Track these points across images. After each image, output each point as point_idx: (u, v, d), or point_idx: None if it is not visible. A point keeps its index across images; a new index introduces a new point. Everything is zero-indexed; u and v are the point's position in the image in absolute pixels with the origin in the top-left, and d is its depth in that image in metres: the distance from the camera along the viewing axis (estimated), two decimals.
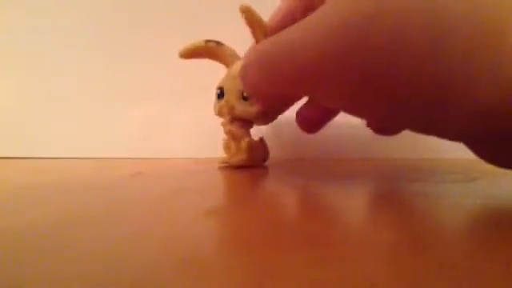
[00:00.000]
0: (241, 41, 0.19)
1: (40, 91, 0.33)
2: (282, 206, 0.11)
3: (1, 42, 0.34)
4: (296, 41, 0.12)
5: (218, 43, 0.20)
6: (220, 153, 0.22)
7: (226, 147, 0.21)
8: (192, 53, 0.20)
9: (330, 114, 0.19)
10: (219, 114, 0.21)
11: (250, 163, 0.21)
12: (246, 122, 0.21)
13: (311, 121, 0.19)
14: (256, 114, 0.20)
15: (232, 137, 0.21)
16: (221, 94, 0.21)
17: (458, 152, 0.17)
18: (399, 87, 0.11)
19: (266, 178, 0.18)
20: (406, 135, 0.19)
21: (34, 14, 0.33)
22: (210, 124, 0.23)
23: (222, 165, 0.21)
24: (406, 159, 0.28)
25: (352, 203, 0.12)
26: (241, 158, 0.20)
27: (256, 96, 0.18)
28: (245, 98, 0.20)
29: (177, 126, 0.32)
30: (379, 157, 0.28)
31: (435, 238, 0.08)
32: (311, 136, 0.20)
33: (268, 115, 0.21)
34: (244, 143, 0.20)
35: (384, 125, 0.16)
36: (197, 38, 0.20)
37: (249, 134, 0.21)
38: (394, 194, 0.13)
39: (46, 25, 0.33)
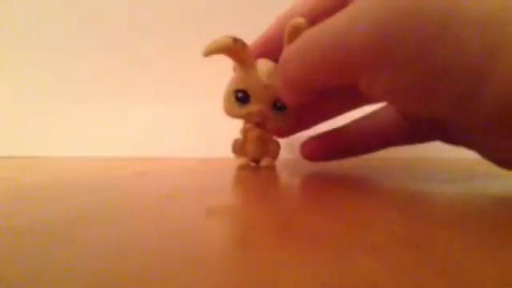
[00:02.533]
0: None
1: (40, 91, 0.33)
2: (283, 206, 0.11)
3: (1, 42, 0.34)
4: (343, 27, 0.13)
5: (244, 44, 0.18)
6: (220, 152, 0.22)
7: (240, 149, 0.21)
8: (218, 51, 0.18)
9: (333, 149, 0.21)
10: (241, 117, 0.20)
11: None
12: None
13: (316, 151, 0.21)
14: (286, 126, 0.20)
15: (261, 140, 0.21)
16: (244, 98, 0.19)
17: (458, 152, 0.17)
18: (437, 74, 0.11)
19: (269, 178, 0.18)
20: None
21: (34, 13, 0.33)
22: (211, 124, 0.23)
23: (244, 164, 0.21)
24: (406, 159, 0.28)
25: (352, 203, 0.12)
26: (273, 160, 0.21)
27: (295, 90, 0.17)
28: (277, 108, 0.19)
29: (178, 125, 0.32)
30: (379, 156, 0.28)
31: (435, 237, 0.08)
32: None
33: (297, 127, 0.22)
34: (278, 145, 0.21)
35: (414, 113, 0.16)
36: (197, 39, 0.20)
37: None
38: (394, 193, 0.13)
39: (46, 24, 0.33)
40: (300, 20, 0.16)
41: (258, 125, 0.20)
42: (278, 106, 0.19)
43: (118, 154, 0.31)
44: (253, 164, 0.22)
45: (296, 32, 0.15)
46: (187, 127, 0.31)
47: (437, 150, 0.27)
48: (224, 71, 0.21)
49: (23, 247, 0.07)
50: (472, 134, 0.13)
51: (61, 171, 0.21)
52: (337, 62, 0.13)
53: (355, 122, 0.20)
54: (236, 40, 0.18)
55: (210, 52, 0.18)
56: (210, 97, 0.21)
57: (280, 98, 0.18)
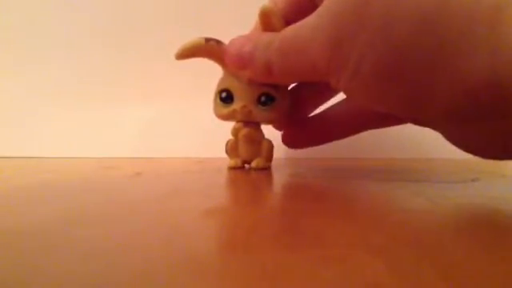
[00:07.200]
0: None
1: (40, 91, 0.33)
2: (283, 206, 0.11)
3: (1, 42, 0.34)
4: (307, 31, 0.14)
5: (218, 42, 0.18)
6: (220, 153, 0.22)
7: (232, 149, 0.21)
8: (191, 53, 0.18)
9: (313, 136, 0.21)
10: (227, 117, 0.20)
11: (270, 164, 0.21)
12: (259, 124, 0.20)
13: (296, 137, 0.21)
14: (278, 118, 0.20)
15: (250, 140, 0.20)
16: (228, 98, 0.19)
17: (458, 152, 0.17)
18: (394, 63, 0.11)
19: (267, 178, 0.18)
20: (406, 135, 0.19)
21: (34, 14, 0.33)
22: (210, 124, 0.23)
23: (234, 166, 0.20)
24: (406, 159, 0.28)
25: (353, 204, 0.12)
26: (265, 161, 0.20)
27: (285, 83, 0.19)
28: (262, 103, 0.19)
29: (177, 125, 0.32)
30: (379, 156, 0.28)
31: (435, 238, 0.08)
32: None
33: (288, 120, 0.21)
34: (269, 145, 0.20)
35: (376, 106, 0.17)
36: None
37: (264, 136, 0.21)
38: (395, 193, 0.13)
39: (45, 24, 0.33)
40: (267, 7, 0.16)
41: (248, 124, 0.20)
42: (262, 100, 0.19)
43: (116, 155, 0.31)
44: (247, 166, 0.21)
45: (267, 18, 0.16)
46: (184, 127, 0.31)
47: (436, 150, 0.27)
48: (222, 71, 0.21)
49: (22, 247, 0.07)
50: (432, 123, 0.14)
51: (60, 172, 0.21)
52: (303, 64, 0.14)
53: (333, 107, 0.20)
54: (208, 39, 0.18)
55: (181, 54, 0.18)
56: (207, 97, 0.21)
57: (265, 91, 0.18)
